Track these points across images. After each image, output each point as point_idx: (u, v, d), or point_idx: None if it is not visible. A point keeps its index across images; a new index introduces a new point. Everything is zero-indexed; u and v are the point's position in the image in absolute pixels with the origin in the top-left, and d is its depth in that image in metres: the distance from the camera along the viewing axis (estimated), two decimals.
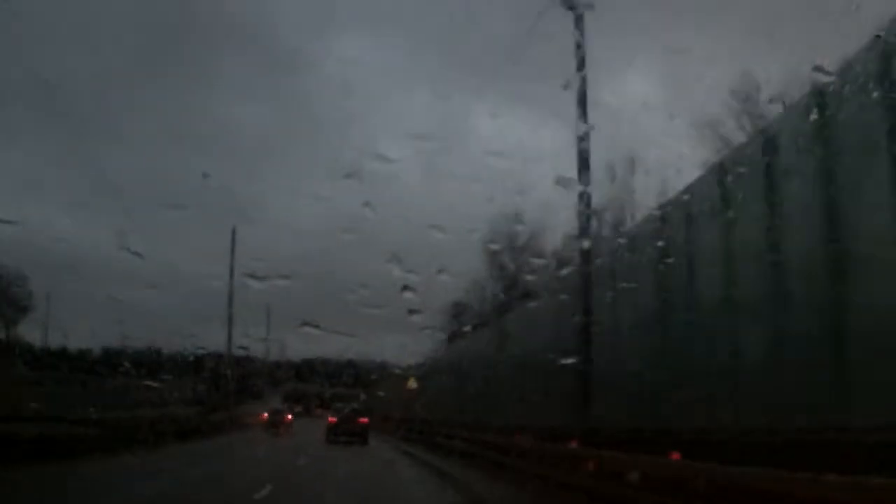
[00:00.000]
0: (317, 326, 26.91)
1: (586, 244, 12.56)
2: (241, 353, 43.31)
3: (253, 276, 19.58)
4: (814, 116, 6.12)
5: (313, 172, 54.71)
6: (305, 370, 70.52)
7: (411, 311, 15.23)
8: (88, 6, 68.66)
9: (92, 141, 61.17)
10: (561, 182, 12.48)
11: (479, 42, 71.21)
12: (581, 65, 12.51)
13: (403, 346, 48.52)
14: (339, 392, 60.62)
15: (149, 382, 29.04)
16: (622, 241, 12.31)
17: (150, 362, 33.38)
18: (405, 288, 12.62)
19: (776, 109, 19.23)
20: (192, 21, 75.25)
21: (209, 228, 54.52)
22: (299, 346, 70.94)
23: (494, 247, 40.59)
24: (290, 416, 47.08)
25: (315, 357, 66.01)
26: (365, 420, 32.31)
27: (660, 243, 8.94)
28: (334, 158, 56.83)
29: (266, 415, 44.05)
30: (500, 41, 66.38)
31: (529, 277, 38.33)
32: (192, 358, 32.43)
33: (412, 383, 32.14)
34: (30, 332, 46.95)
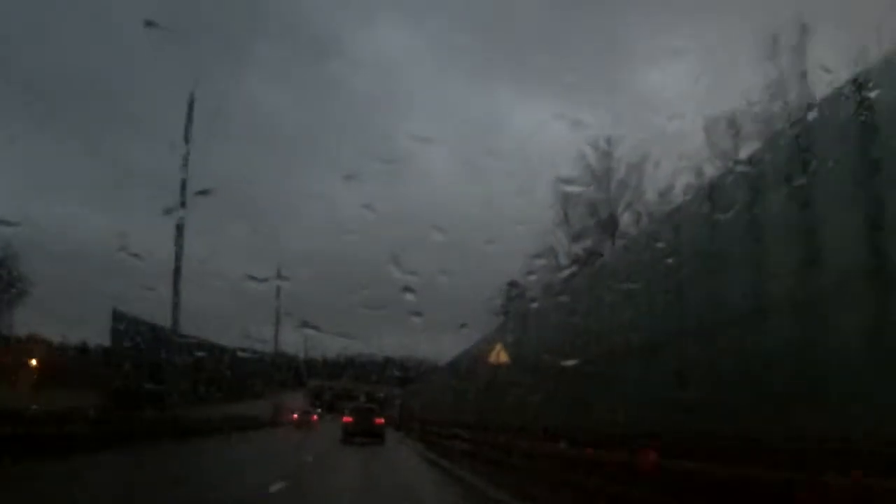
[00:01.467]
0: (316, 328, 26.34)
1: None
2: (244, 354, 42.30)
3: (254, 278, 19.05)
4: None
5: (315, 171, 54.34)
6: (335, 368, 67.95)
7: (412, 312, 14.53)
8: None
9: (98, 134, 60.75)
10: None
11: (484, 42, 70.63)
12: None
13: (440, 340, 39.72)
14: (353, 389, 58.12)
15: (148, 386, 28.36)
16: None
17: (150, 363, 32.71)
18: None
19: None
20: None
21: (212, 227, 54.16)
22: (329, 342, 69.59)
23: (573, 189, 32.45)
24: (315, 417, 49.18)
25: (348, 355, 63.10)
26: (381, 420, 32.36)
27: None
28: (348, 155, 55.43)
29: (296, 416, 47.99)
30: (505, 41, 65.85)
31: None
32: (190, 360, 31.88)
33: (500, 355, 16.23)
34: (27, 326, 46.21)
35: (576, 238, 34.94)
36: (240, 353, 39.72)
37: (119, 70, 68.37)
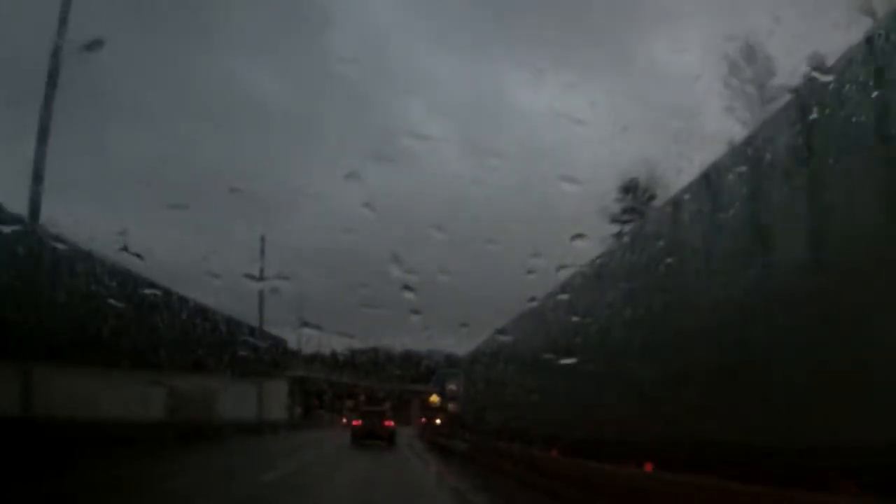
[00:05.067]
0: (317, 327, 26.24)
1: None
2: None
3: (252, 277, 18.97)
4: None
5: (315, 170, 54.13)
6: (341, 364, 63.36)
7: (412, 310, 14.31)
8: None
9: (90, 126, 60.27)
10: None
11: (479, 37, 70.41)
12: None
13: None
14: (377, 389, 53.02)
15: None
16: None
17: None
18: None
19: None
20: None
21: (210, 227, 53.87)
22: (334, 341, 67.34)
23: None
24: (345, 419, 49.74)
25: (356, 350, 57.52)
26: (391, 423, 31.96)
27: None
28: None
29: (343, 420, 49.64)
30: (501, 37, 65.57)
31: None
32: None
33: None
34: None
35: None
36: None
37: (119, 67, 67.88)
